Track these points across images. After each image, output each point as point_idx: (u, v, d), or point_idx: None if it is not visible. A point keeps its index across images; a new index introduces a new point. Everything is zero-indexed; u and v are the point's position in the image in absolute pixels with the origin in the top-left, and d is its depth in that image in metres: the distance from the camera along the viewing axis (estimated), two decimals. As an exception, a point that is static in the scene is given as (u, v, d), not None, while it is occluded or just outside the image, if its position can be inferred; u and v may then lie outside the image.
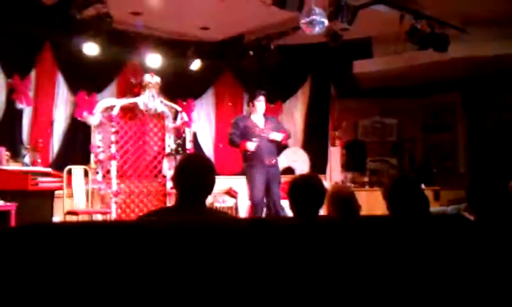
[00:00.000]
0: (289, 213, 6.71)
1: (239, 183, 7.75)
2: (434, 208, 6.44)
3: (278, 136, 6.31)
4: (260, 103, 6.39)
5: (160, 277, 1.55)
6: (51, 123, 7.24)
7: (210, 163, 2.69)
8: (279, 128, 6.52)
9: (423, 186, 7.28)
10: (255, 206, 6.18)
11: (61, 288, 1.51)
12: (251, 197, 6.23)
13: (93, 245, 1.57)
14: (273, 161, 6.32)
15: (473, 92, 8.42)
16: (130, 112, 7.75)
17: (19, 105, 6.80)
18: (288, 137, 6.64)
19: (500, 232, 1.75)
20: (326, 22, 5.53)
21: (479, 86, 8.23)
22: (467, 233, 1.71)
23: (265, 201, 6.24)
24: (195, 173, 2.52)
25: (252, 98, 6.49)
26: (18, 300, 1.47)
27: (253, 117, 6.40)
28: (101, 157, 7.36)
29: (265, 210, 6.29)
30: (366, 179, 8.98)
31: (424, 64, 7.63)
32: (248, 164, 6.23)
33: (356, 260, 1.65)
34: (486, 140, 8.15)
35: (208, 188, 2.55)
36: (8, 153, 6.09)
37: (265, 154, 6.20)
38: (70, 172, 6.68)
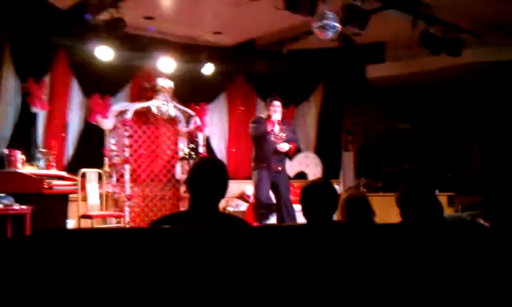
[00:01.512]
0: (301, 216, 6.77)
1: (252, 188, 7.76)
2: (449, 214, 6.38)
3: (285, 147, 6.38)
4: (276, 112, 6.44)
5: (175, 282, 1.56)
6: (65, 127, 7.30)
7: (223, 167, 2.66)
8: (291, 138, 6.58)
9: (437, 192, 7.23)
10: (259, 203, 6.31)
11: (77, 293, 1.52)
12: (257, 195, 6.36)
13: (107, 250, 1.58)
14: (280, 168, 6.44)
15: (488, 96, 8.35)
16: (143, 116, 7.79)
17: (34, 109, 6.87)
18: (295, 149, 6.76)
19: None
20: (339, 26, 5.53)
21: (493, 90, 8.16)
22: (483, 240, 1.70)
23: (273, 202, 6.42)
24: (208, 176, 2.50)
25: (267, 105, 6.54)
26: (34, 303, 1.49)
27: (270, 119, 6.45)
28: (115, 160, 7.40)
29: (275, 214, 6.42)
30: (380, 184, 8.92)
31: (437, 69, 7.59)
32: (255, 166, 6.39)
33: (370, 266, 1.65)
34: (500, 145, 8.07)
35: (221, 192, 2.53)
36: (23, 156, 6.15)
37: (273, 160, 6.34)
38: (84, 175, 6.72)
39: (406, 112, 9.21)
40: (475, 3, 6.40)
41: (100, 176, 6.98)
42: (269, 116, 6.43)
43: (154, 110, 7.67)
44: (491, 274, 1.66)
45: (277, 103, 6.46)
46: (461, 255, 1.70)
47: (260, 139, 6.37)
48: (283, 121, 6.60)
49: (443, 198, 7.39)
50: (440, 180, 8.35)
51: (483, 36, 7.02)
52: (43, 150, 6.72)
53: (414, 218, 2.82)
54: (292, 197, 7.97)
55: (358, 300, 1.68)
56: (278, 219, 6.34)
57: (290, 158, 7.46)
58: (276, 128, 6.40)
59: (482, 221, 2.72)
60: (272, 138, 6.36)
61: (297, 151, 7.06)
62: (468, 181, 8.23)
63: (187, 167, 7.39)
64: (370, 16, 5.77)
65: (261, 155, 6.34)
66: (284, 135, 6.43)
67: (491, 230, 2.14)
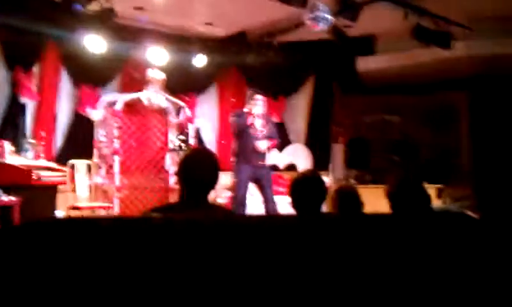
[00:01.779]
0: (283, 207, 6.81)
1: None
2: (438, 206, 6.42)
3: (262, 146, 6.31)
4: (257, 107, 6.35)
5: (166, 274, 1.55)
6: (54, 118, 7.25)
7: (214, 157, 2.66)
8: (272, 134, 6.50)
9: (426, 184, 7.26)
10: (235, 200, 6.29)
11: (65, 285, 1.51)
12: (234, 191, 6.33)
13: (97, 241, 1.57)
14: (261, 162, 6.36)
15: (478, 89, 8.40)
16: (133, 107, 7.75)
17: (22, 99, 6.82)
18: (275, 145, 6.70)
19: (505, 231, 1.75)
20: (330, 18, 5.53)
21: (484, 83, 8.20)
22: (471, 231, 1.71)
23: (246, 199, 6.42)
24: (199, 168, 2.51)
25: (250, 99, 6.53)
26: (23, 297, 1.48)
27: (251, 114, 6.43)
28: (104, 151, 7.36)
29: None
30: (369, 176, 8.96)
31: (427, 62, 7.61)
32: (236, 161, 6.35)
33: (359, 258, 1.65)
34: (490, 138, 8.13)
35: (212, 183, 2.53)
36: (11, 147, 6.10)
37: (254, 154, 6.26)
38: (73, 167, 6.70)
39: (396, 104, 9.24)
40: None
41: (89, 167, 6.96)
42: (250, 110, 6.36)
43: (144, 101, 7.63)
44: (480, 266, 1.67)
45: (259, 97, 6.38)
46: (449, 247, 1.71)
47: (241, 134, 6.29)
48: (265, 117, 6.54)
49: (432, 190, 7.43)
50: (429, 172, 8.40)
51: (475, 29, 7.04)
52: (32, 141, 6.68)
53: (403, 210, 2.83)
54: (281, 189, 8.01)
55: (348, 291, 1.68)
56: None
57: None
58: (258, 123, 6.34)
59: (470, 213, 2.74)
60: (252, 132, 6.28)
61: (278, 146, 7.00)
62: (457, 174, 8.28)
63: (177, 159, 7.37)
64: (361, 9, 5.77)
65: (242, 149, 6.27)
66: (265, 130, 6.35)
67: (479, 222, 2.15)
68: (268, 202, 6.32)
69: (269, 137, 6.40)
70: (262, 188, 6.38)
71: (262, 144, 6.28)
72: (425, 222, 1.91)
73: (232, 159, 6.49)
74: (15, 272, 1.48)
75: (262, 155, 6.40)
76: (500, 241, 1.67)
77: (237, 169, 6.30)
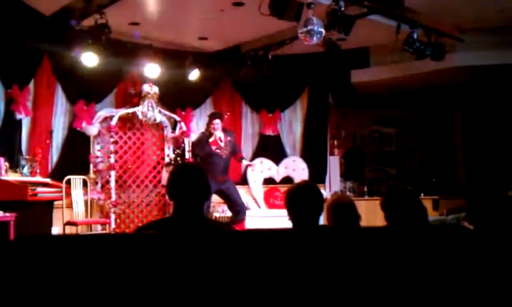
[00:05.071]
0: (280, 221, 6.92)
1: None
2: (434, 217, 6.43)
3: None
4: (217, 130, 6.81)
5: (159, 288, 1.55)
6: (50, 134, 7.23)
7: (201, 170, 2.68)
8: (236, 148, 7.10)
9: (422, 195, 7.29)
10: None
11: (60, 298, 1.51)
12: None
13: (90, 256, 1.57)
14: (225, 178, 6.83)
15: (471, 100, 8.44)
16: (128, 122, 7.76)
17: (18, 116, 6.81)
18: (242, 156, 7.39)
19: (499, 241, 1.75)
20: (324, 31, 5.55)
21: (477, 94, 8.25)
22: (467, 243, 1.72)
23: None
24: (186, 182, 2.52)
25: (208, 123, 6.94)
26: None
27: (213, 135, 6.79)
28: (100, 167, 7.36)
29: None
30: (365, 188, 8.97)
31: (421, 74, 7.66)
32: None
33: (356, 270, 1.65)
34: (484, 149, 8.16)
35: (202, 196, 2.54)
36: (6, 163, 6.08)
37: (218, 172, 6.69)
38: (69, 182, 6.68)
39: (392, 116, 9.28)
40: (459, 9, 6.48)
41: (85, 183, 6.94)
42: (211, 134, 6.76)
43: (140, 116, 7.64)
44: (475, 276, 1.67)
45: (217, 121, 6.81)
46: (445, 258, 1.71)
47: (207, 154, 6.73)
48: (225, 130, 6.95)
49: (428, 202, 7.45)
50: (425, 183, 8.42)
51: (467, 40, 7.10)
52: (28, 157, 6.67)
53: (398, 222, 2.83)
54: (277, 202, 8.07)
55: (343, 303, 1.68)
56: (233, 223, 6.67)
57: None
58: (221, 142, 6.77)
59: (466, 224, 2.74)
60: (217, 151, 6.74)
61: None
62: (452, 185, 8.30)
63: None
64: (354, 22, 5.81)
65: (207, 168, 6.43)
66: (229, 147, 6.84)
67: (474, 233, 2.16)
68: (237, 203, 6.80)
69: (233, 152, 6.94)
70: (228, 195, 6.81)
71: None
72: (421, 234, 1.91)
73: None
74: (7, 288, 1.48)
75: (226, 173, 6.86)
76: (494, 251, 1.68)
77: None
